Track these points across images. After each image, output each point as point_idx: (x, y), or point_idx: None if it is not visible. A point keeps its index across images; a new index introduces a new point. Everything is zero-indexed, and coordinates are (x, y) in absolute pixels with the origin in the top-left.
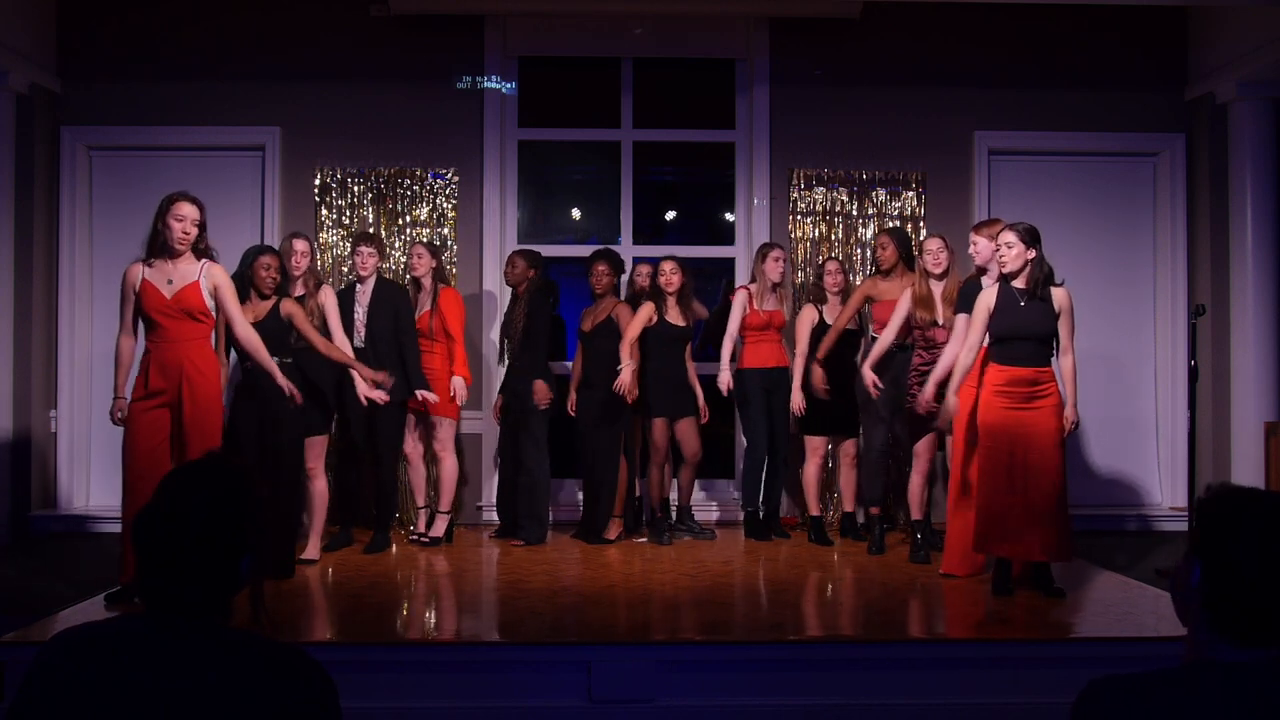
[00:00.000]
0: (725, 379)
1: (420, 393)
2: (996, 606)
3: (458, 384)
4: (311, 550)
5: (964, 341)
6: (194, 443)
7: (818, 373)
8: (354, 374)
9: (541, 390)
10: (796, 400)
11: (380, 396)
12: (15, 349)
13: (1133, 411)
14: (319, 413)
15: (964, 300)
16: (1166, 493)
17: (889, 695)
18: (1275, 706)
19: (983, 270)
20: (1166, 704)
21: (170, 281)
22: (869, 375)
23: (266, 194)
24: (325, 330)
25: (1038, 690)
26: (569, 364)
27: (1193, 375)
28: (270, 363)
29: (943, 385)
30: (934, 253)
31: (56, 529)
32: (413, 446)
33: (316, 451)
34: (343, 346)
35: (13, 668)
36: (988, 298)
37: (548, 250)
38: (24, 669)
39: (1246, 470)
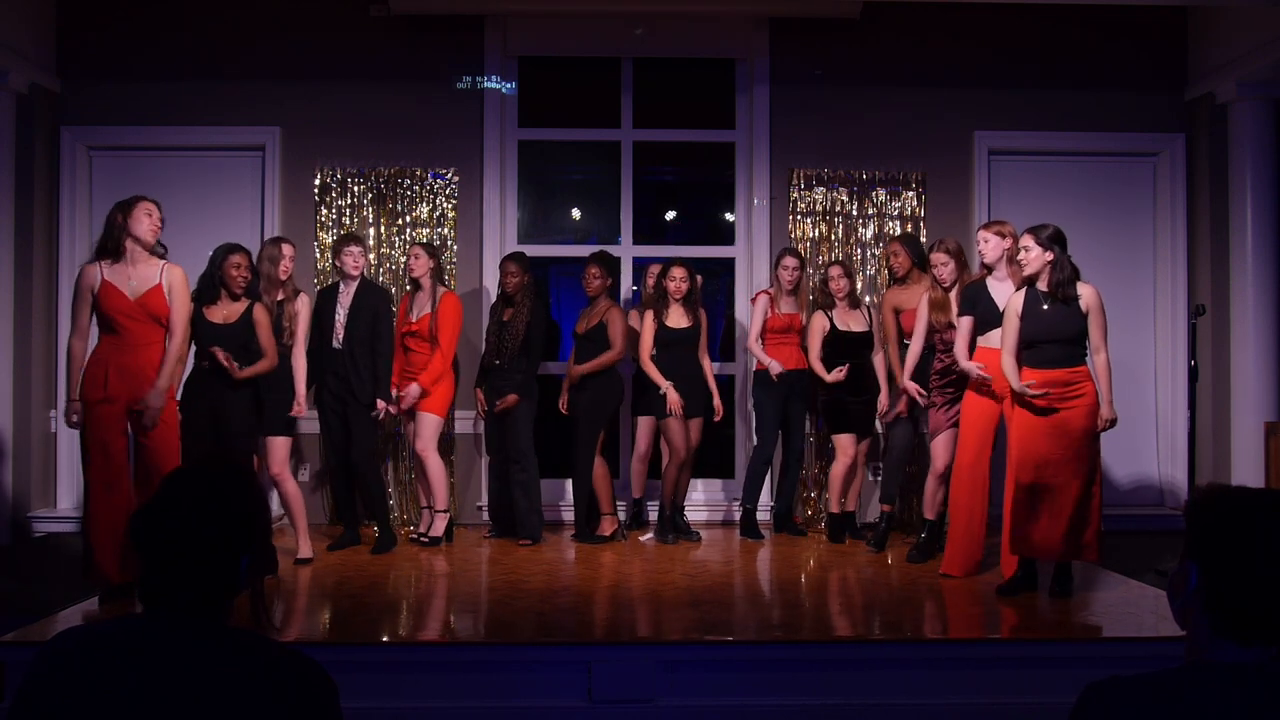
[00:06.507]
0: (777, 366)
1: (380, 404)
2: (997, 606)
3: (412, 391)
4: (304, 550)
5: (967, 342)
6: (158, 451)
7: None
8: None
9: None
10: (835, 376)
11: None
12: (15, 349)
13: (1133, 411)
14: (281, 415)
15: (965, 302)
16: (1167, 493)
17: (889, 695)
18: (1276, 706)
19: (989, 269)
20: (1167, 704)
21: (132, 283)
22: (911, 386)
23: (266, 194)
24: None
25: (1038, 690)
26: (563, 363)
27: (1193, 375)
28: (176, 380)
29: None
30: (938, 267)
31: (56, 529)
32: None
33: (281, 455)
34: (299, 359)
35: (13, 668)
36: (1015, 302)
37: (548, 251)
38: (24, 669)
39: (1246, 470)
